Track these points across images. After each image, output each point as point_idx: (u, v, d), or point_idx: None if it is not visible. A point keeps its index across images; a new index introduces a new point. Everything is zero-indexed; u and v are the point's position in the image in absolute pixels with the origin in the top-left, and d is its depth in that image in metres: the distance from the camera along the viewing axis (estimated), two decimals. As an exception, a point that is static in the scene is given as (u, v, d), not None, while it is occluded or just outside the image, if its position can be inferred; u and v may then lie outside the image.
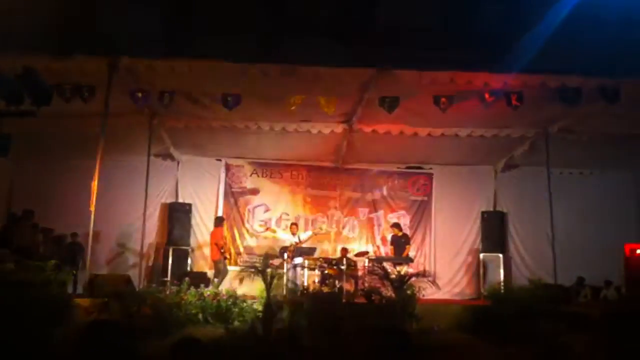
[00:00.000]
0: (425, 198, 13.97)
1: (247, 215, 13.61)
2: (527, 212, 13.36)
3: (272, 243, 12.86)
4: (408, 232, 13.31)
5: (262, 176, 13.79)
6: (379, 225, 13.83)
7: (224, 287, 10.36)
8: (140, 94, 9.29)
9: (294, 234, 11.86)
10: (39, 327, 6.64)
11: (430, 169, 14.07)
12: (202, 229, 13.20)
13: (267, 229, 13.28)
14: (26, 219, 10.99)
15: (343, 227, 13.76)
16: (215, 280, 11.27)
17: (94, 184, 8.97)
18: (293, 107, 9.61)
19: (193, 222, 13.14)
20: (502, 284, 11.37)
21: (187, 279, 9.67)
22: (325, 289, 10.44)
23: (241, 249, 13.38)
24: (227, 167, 13.71)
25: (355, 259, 12.07)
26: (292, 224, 12.34)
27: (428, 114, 10.13)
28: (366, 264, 11.70)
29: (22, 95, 6.60)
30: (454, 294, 13.15)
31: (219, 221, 12.34)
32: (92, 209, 8.91)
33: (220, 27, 9.49)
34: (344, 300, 9.66)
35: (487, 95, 9.17)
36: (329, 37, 9.37)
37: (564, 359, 2.98)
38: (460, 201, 13.80)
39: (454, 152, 12.64)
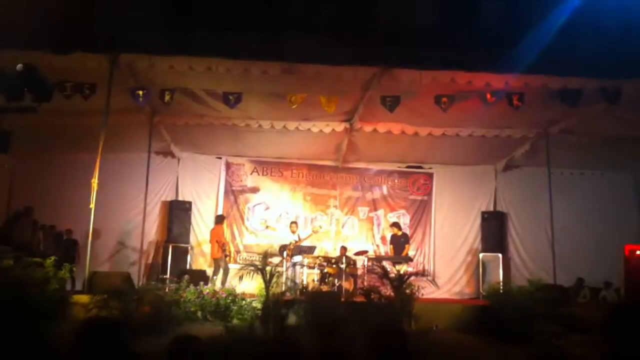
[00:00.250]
0: (426, 197, 13.97)
1: (247, 213, 13.62)
2: (527, 212, 13.35)
3: (272, 241, 12.87)
4: (408, 231, 13.32)
5: (263, 174, 13.80)
6: (379, 224, 13.84)
7: (224, 285, 10.39)
8: (141, 93, 9.28)
9: (293, 233, 11.88)
10: (37, 324, 6.65)
11: (431, 168, 14.07)
12: (201, 226, 13.20)
13: (267, 227, 13.29)
14: (26, 215, 11.00)
15: (343, 226, 13.77)
16: (214, 278, 11.28)
17: (94, 181, 8.97)
18: (294, 106, 9.61)
19: (193, 219, 13.13)
20: (501, 284, 11.36)
21: (186, 276, 9.69)
22: (325, 288, 10.46)
23: (241, 247, 13.38)
24: (228, 165, 13.71)
25: (354, 257, 12.08)
26: (292, 222, 12.36)
27: (429, 114, 10.13)
28: (366, 263, 11.71)
29: (22, 92, 6.60)
30: (453, 293, 13.18)
31: (219, 219, 12.36)
32: (92, 206, 8.92)
33: (221, 25, 9.50)
34: (343, 299, 9.68)
35: (488, 96, 9.18)
36: (329, 36, 9.38)
37: (561, 361, 2.97)
38: (460, 201, 13.80)
39: (455, 151, 12.63)
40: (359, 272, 11.59)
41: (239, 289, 9.26)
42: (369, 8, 10.10)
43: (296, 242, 11.52)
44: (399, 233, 12.49)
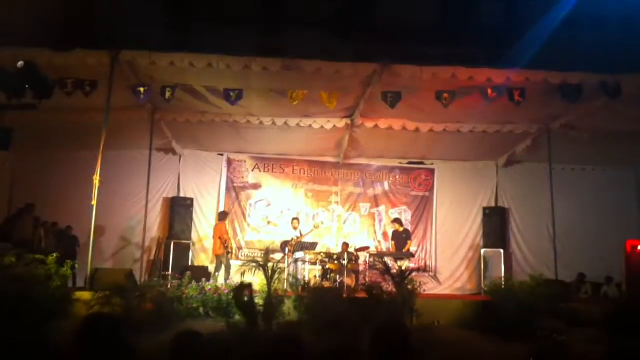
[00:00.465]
0: (427, 193, 13.97)
1: (248, 209, 13.62)
2: (529, 208, 13.36)
3: (274, 237, 12.89)
4: (409, 227, 13.32)
5: (264, 171, 13.80)
6: (381, 220, 13.84)
7: (227, 281, 10.40)
8: (142, 90, 9.28)
9: (295, 229, 11.89)
10: (39, 321, 6.66)
11: (432, 164, 14.06)
12: (203, 223, 13.24)
13: (269, 223, 13.30)
14: (28, 212, 11.01)
15: (344, 222, 13.77)
16: (216, 274, 11.29)
17: (96, 178, 8.97)
18: (295, 102, 9.60)
19: (194, 216, 13.16)
20: (502, 279, 11.36)
21: (188, 273, 9.69)
22: (327, 284, 10.46)
23: (242, 244, 13.39)
24: (229, 162, 13.72)
25: (356, 254, 12.08)
26: (294, 218, 12.37)
27: (430, 110, 10.12)
28: (367, 259, 11.72)
29: (23, 89, 6.60)
30: (454, 289, 13.20)
31: (222, 216, 12.38)
32: (94, 202, 8.92)
33: (221, 21, 9.49)
34: (344, 295, 9.67)
35: (489, 91, 9.16)
36: (330, 33, 9.36)
37: (563, 356, 2.97)
38: (461, 197, 13.80)
39: (456, 147, 12.62)
40: (361, 268, 11.59)
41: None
42: (370, 4, 10.08)
43: (298, 238, 11.53)
44: (401, 229, 12.50)
